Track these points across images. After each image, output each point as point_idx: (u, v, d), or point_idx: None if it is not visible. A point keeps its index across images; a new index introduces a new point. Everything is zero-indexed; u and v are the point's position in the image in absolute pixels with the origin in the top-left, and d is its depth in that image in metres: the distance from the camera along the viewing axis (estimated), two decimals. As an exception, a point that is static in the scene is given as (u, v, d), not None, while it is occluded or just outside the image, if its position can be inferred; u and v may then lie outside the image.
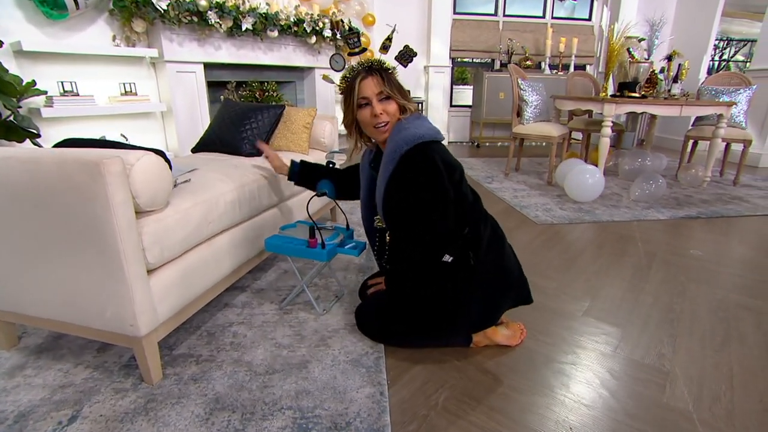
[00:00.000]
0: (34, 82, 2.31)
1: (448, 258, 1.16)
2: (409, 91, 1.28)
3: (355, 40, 1.32)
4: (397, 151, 1.14)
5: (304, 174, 1.53)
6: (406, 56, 1.27)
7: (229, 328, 1.39)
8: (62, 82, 2.52)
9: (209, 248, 1.32)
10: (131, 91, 2.86)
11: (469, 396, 1.11)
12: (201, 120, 3.24)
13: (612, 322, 1.47)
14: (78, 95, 2.57)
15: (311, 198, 1.36)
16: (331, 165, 1.39)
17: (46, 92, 2.39)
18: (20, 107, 2.28)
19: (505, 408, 1.07)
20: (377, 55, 1.23)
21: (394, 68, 1.24)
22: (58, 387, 1.12)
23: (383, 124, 1.19)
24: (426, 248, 1.16)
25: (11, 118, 2.22)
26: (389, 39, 1.31)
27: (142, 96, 2.92)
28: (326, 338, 1.33)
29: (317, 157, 2.07)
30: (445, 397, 1.10)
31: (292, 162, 1.54)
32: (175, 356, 1.25)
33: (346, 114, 1.26)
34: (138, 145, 1.23)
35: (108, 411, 1.04)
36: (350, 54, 1.34)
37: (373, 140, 1.30)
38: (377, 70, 1.19)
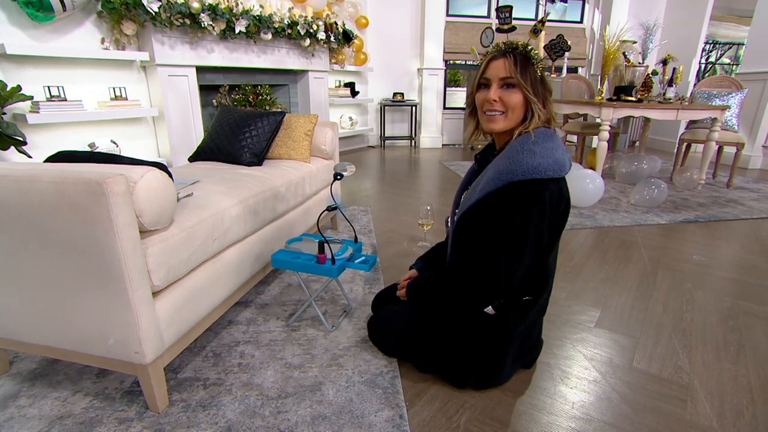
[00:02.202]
0: (19, 87, 2.21)
1: (491, 310, 1.10)
2: (549, 93, 1.06)
3: (507, 14, 1.24)
4: (507, 175, 0.98)
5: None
6: (556, 48, 1.17)
7: (235, 347, 1.33)
8: (49, 87, 2.42)
9: (214, 266, 1.26)
10: (121, 96, 2.77)
11: (490, 417, 1.07)
12: (193, 125, 3.16)
13: (625, 333, 1.46)
14: (65, 100, 2.48)
15: (322, 213, 1.31)
16: (339, 177, 1.34)
17: (32, 97, 2.29)
18: (5, 113, 2.18)
19: (529, 429, 1.04)
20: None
21: (542, 60, 1.04)
22: (56, 418, 1.05)
23: (496, 113, 1.04)
24: (480, 286, 1.05)
25: (-5, 125, 2.12)
26: (542, 22, 1.23)
27: (132, 101, 2.83)
28: (338, 357, 1.28)
29: (319, 165, 2.02)
30: (466, 419, 1.06)
31: (417, 267, 1.37)
32: (181, 380, 1.19)
33: (468, 96, 1.19)
34: (135, 158, 1.16)
35: (112, 444, 0.98)
36: (498, 30, 1.28)
37: (487, 134, 1.15)
38: (516, 53, 1.02)
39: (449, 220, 1.29)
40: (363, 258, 1.39)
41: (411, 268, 1.38)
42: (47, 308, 1.01)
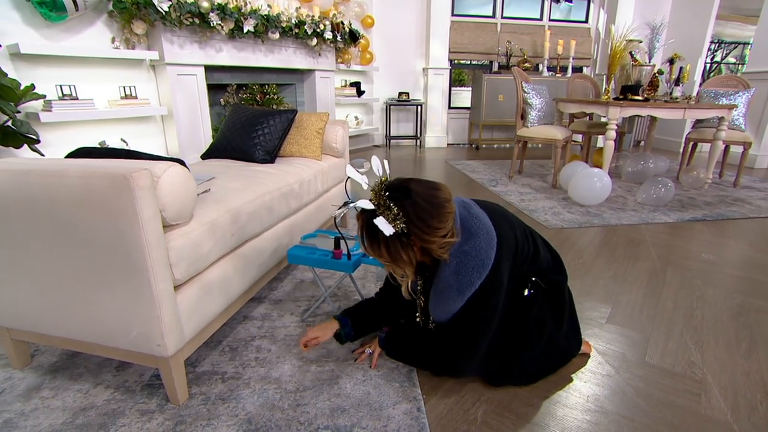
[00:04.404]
0: (33, 86, 2.23)
1: (527, 293, 1.12)
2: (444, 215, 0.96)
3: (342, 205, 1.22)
4: (470, 286, 1.00)
5: (358, 331, 1.27)
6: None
7: (251, 342, 1.35)
8: (61, 86, 2.44)
9: (232, 261, 1.27)
10: (131, 95, 2.79)
11: (507, 410, 1.08)
12: (202, 124, 3.18)
13: (636, 329, 1.47)
14: (77, 99, 2.50)
15: (339, 208, 1.33)
16: (353, 174, 1.35)
17: (44, 96, 2.31)
18: (19, 112, 2.21)
19: (545, 422, 1.05)
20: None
21: (396, 220, 0.92)
22: (80, 409, 1.07)
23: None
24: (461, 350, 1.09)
25: (9, 123, 2.15)
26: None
27: (142, 99, 2.85)
28: (354, 351, 1.30)
29: (330, 163, 2.04)
30: (483, 411, 1.08)
31: (340, 321, 1.25)
32: (199, 374, 1.21)
33: None
34: (154, 154, 1.18)
35: (135, 435, 1.00)
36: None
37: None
38: (363, 226, 0.97)
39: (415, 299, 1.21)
40: (377, 254, 1.40)
41: (336, 318, 1.26)
42: (72, 301, 1.03)
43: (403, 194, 0.92)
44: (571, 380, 1.20)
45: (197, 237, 1.10)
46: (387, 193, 0.93)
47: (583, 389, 1.17)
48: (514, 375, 1.15)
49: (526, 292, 1.11)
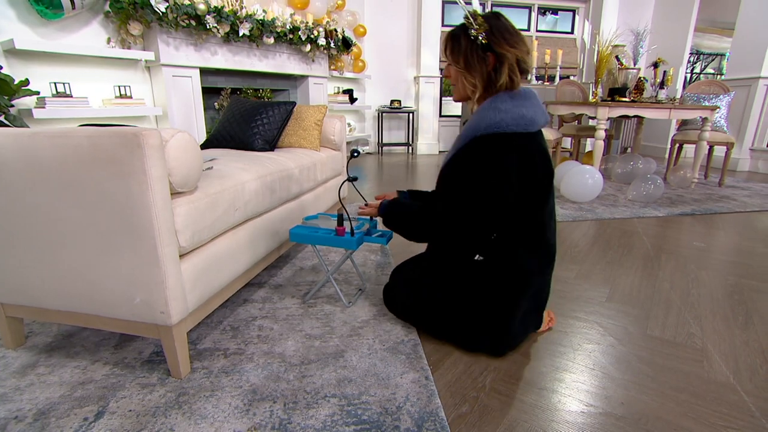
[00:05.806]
0: (27, 81, 2.22)
1: (479, 257, 1.14)
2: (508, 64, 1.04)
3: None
4: (471, 131, 1.06)
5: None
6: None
7: (252, 322, 1.33)
8: (55, 83, 2.43)
9: (234, 237, 1.27)
10: (126, 95, 2.79)
11: (515, 377, 1.08)
12: (196, 126, 3.18)
13: (636, 307, 1.49)
14: (71, 97, 2.49)
15: (342, 183, 1.33)
16: (356, 154, 1.37)
17: (38, 93, 2.30)
18: (12, 106, 2.19)
19: (554, 387, 1.05)
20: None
21: (481, 24, 1.03)
22: (78, 384, 1.04)
23: (453, 85, 1.16)
24: (453, 226, 1.10)
25: (2, 117, 2.12)
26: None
27: (137, 99, 2.85)
28: (357, 329, 1.29)
29: (328, 154, 2.05)
30: (491, 379, 1.07)
31: (400, 193, 1.39)
32: (200, 350, 1.18)
33: None
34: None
35: (137, 406, 0.97)
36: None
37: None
38: (448, 36, 1.11)
39: None
40: (380, 233, 1.40)
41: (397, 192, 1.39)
42: (74, 269, 1.01)
43: (492, 14, 1.07)
44: (575, 351, 1.21)
45: (202, 207, 1.09)
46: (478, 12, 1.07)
47: (589, 358, 1.17)
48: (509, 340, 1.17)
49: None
